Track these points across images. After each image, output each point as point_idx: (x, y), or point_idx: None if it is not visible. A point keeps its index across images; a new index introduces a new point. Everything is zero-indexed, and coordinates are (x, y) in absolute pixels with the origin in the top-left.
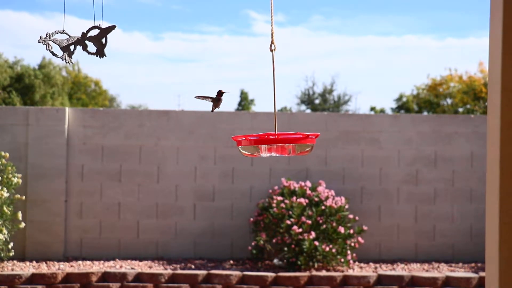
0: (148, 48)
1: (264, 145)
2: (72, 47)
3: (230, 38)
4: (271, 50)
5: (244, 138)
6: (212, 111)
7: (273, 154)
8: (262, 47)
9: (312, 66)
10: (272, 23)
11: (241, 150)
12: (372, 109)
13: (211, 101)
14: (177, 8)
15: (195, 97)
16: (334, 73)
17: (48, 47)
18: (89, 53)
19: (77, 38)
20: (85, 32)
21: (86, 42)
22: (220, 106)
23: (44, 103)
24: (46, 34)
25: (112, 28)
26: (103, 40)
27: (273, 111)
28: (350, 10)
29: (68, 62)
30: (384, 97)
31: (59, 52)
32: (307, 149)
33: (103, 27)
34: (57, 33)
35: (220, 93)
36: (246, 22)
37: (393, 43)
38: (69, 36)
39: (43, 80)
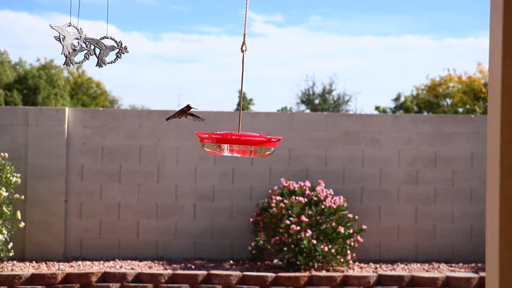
0: (148, 48)
1: (226, 145)
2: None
3: (229, 38)
4: (242, 51)
5: (207, 135)
6: (167, 119)
7: (235, 154)
8: (261, 47)
9: (312, 66)
10: (245, 24)
11: (203, 147)
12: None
13: (178, 116)
14: (176, 9)
15: (166, 119)
16: (332, 73)
17: (65, 51)
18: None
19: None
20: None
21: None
22: (185, 118)
23: (46, 104)
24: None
25: (116, 48)
26: (113, 56)
27: (273, 111)
28: (349, 11)
29: (72, 64)
30: (384, 97)
31: (70, 52)
32: (267, 152)
33: (114, 39)
34: (69, 26)
35: (188, 108)
36: (244, 22)
37: (392, 43)
38: (78, 32)
39: (46, 81)
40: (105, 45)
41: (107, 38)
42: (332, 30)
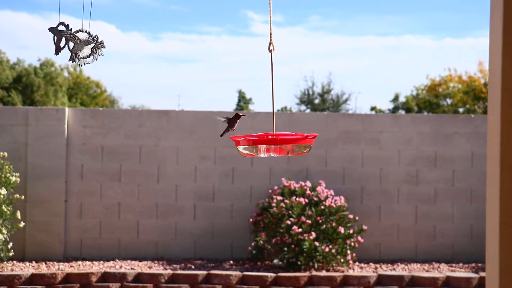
0: (147, 48)
1: (262, 146)
2: (88, 50)
3: (228, 38)
4: (270, 51)
5: (243, 138)
6: (221, 135)
7: (272, 154)
8: (261, 47)
9: (311, 66)
10: (270, 23)
11: (240, 150)
12: (373, 108)
13: (227, 122)
14: (175, 9)
15: (218, 117)
16: (331, 73)
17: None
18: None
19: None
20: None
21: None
22: (234, 129)
23: (44, 102)
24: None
25: (58, 25)
26: (63, 40)
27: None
28: (348, 11)
29: (78, 62)
30: (383, 97)
31: (76, 52)
32: (305, 150)
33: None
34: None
35: (237, 116)
36: (244, 22)
37: (391, 43)
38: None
39: (44, 78)
40: (79, 39)
41: (82, 31)
42: (332, 30)
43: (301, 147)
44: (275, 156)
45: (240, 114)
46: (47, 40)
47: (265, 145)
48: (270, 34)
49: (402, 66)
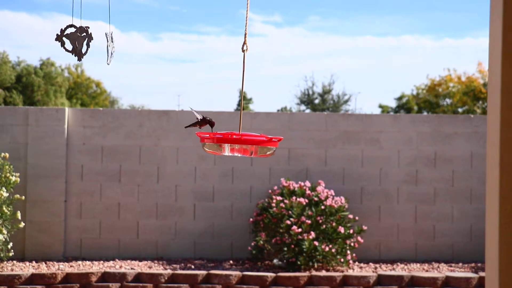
0: (147, 48)
1: (226, 144)
2: (84, 46)
3: (227, 38)
4: (243, 51)
5: (208, 135)
6: (186, 127)
7: (236, 154)
8: (260, 47)
9: (311, 66)
10: (246, 24)
11: (204, 147)
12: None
13: (198, 119)
14: (175, 9)
15: (185, 127)
16: (331, 73)
17: (63, 43)
18: (66, 50)
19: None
20: (63, 29)
21: (64, 39)
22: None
23: (44, 102)
24: (60, 30)
25: (85, 28)
26: (85, 44)
27: (273, 111)
28: (347, 11)
29: (78, 57)
30: (383, 97)
31: (71, 47)
32: (269, 152)
33: (78, 26)
34: (69, 27)
35: (210, 123)
36: (243, 22)
37: (390, 43)
38: (76, 29)
39: (44, 78)
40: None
41: (71, 26)
42: (331, 30)
43: (265, 149)
44: (239, 155)
45: (212, 122)
46: (47, 40)
47: (229, 144)
48: (245, 35)
49: (401, 66)
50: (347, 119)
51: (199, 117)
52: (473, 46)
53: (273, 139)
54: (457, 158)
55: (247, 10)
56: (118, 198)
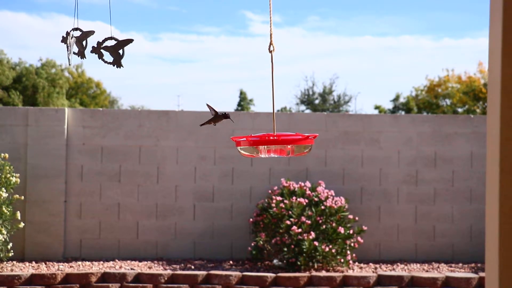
0: (147, 48)
1: (263, 146)
2: (84, 44)
3: (227, 38)
4: (270, 51)
5: (244, 139)
6: (201, 124)
7: (272, 155)
8: (260, 48)
9: (310, 66)
10: (271, 24)
11: (240, 150)
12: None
13: (213, 115)
14: (174, 9)
15: (200, 125)
16: (332, 74)
17: (69, 46)
18: (105, 62)
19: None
20: (100, 42)
21: (102, 51)
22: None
23: (46, 103)
24: (66, 33)
25: (129, 41)
26: (120, 52)
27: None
28: (346, 11)
29: (81, 57)
30: (383, 98)
31: (76, 49)
32: (305, 150)
33: (120, 39)
34: (74, 30)
35: (225, 116)
36: (243, 22)
37: (390, 43)
38: (81, 32)
39: (47, 79)
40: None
41: (111, 39)
42: (330, 31)
43: (302, 148)
44: (276, 156)
45: (229, 116)
46: (47, 40)
47: (266, 146)
48: (271, 35)
49: (401, 66)
50: (347, 119)
51: (213, 112)
52: (473, 46)
53: (309, 137)
54: (457, 158)
55: (269, 10)
56: (118, 198)
